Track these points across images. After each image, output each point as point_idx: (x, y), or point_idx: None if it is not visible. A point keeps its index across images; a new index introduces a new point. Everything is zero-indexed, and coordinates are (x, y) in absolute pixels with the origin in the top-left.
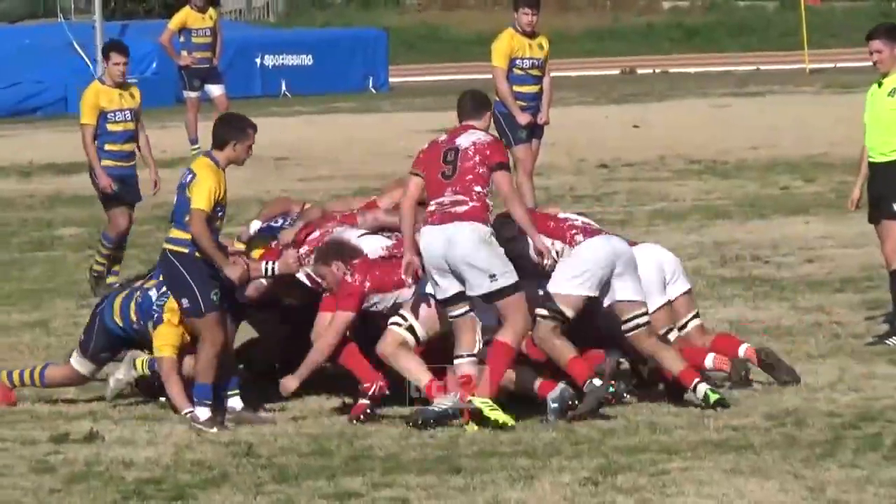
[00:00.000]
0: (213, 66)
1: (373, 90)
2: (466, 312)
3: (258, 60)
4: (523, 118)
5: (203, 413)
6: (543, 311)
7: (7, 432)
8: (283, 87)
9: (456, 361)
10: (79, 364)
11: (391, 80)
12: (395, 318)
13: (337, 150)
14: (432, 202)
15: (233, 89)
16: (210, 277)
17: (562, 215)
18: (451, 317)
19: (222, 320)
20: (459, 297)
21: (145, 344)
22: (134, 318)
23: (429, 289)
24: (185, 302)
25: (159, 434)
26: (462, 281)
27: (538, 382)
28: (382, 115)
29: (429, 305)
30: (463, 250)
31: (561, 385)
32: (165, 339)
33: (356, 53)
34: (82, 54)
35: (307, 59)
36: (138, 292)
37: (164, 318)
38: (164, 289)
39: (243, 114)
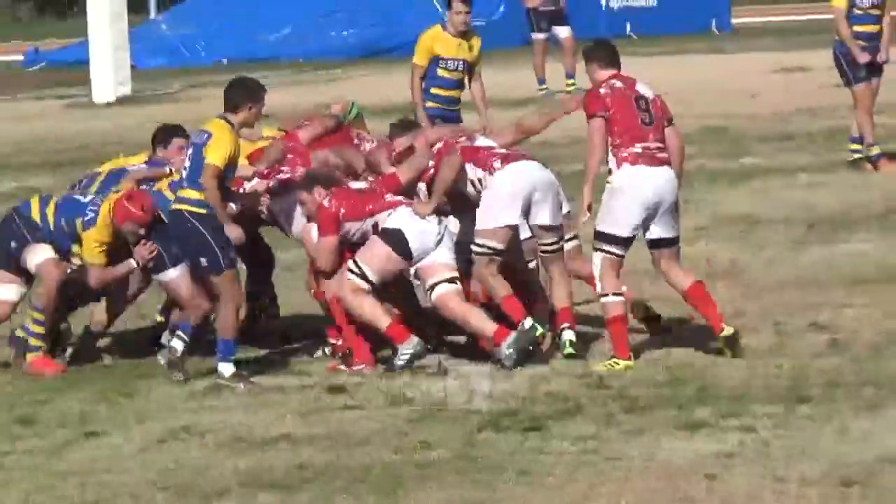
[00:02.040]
0: (560, 8)
1: (716, 31)
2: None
3: (603, 2)
4: (863, 57)
5: (228, 369)
6: (475, 248)
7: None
8: (628, 29)
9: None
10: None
11: (734, 20)
12: (351, 266)
13: (684, 90)
14: (636, 145)
15: (578, 31)
16: (225, 235)
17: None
18: (613, 255)
19: (238, 276)
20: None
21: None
22: (52, 219)
23: (614, 226)
24: (203, 261)
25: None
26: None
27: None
28: (726, 56)
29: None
30: (674, 196)
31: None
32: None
33: None
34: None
35: (651, 1)
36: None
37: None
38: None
39: (255, 77)
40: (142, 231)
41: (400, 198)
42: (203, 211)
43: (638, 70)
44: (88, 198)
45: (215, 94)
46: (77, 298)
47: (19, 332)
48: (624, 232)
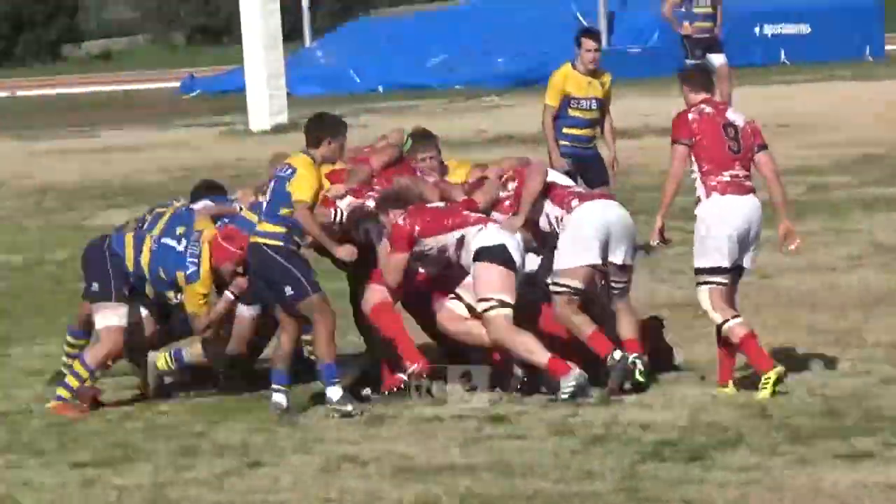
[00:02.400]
0: (714, 35)
1: (869, 58)
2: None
3: (757, 29)
4: None
5: (335, 392)
6: (554, 287)
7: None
8: (782, 56)
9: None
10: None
11: (888, 47)
12: (484, 302)
13: (838, 117)
14: (724, 173)
15: (733, 58)
16: (306, 261)
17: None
18: (718, 284)
19: (327, 299)
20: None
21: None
22: (147, 268)
23: (714, 258)
24: (288, 289)
25: (674, 397)
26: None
27: (547, 357)
28: (879, 83)
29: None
30: (760, 225)
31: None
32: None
33: (852, 22)
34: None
35: (805, 28)
36: (150, 239)
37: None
38: (187, 240)
39: (336, 114)
40: (239, 269)
41: (482, 215)
42: (280, 243)
43: (789, 96)
44: (183, 245)
45: (369, 121)
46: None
47: (161, 363)
48: (724, 262)
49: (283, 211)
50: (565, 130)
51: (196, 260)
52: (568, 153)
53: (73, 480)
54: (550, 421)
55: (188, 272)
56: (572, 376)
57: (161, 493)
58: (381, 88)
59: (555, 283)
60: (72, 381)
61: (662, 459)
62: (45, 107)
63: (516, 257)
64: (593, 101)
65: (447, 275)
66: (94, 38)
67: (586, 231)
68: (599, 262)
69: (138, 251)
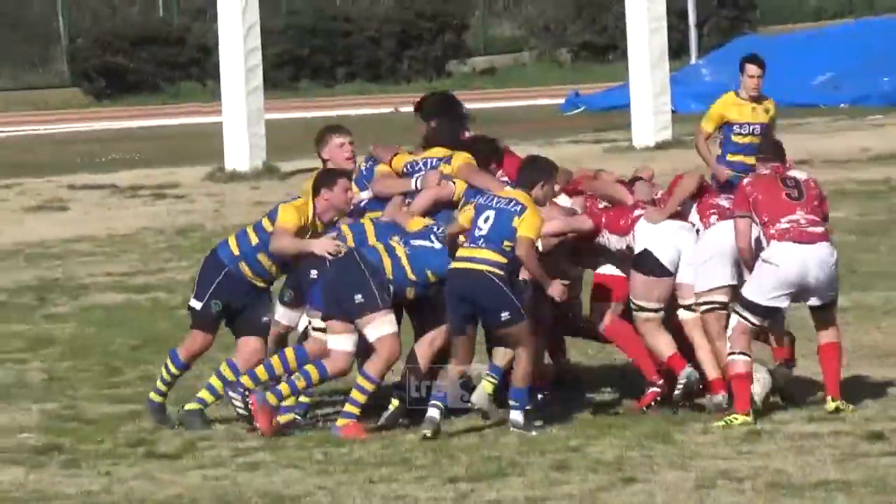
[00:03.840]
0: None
1: None
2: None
3: None
4: None
5: (518, 417)
6: (702, 303)
7: None
8: None
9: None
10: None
11: None
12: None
13: None
14: (782, 220)
15: None
16: (517, 289)
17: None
18: (747, 321)
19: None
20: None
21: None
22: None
23: (755, 295)
24: (505, 314)
25: None
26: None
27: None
28: None
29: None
30: (830, 272)
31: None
32: None
33: None
34: None
35: None
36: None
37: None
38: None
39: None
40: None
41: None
42: (502, 272)
43: None
44: (440, 245)
45: None
46: None
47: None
48: (761, 301)
49: (506, 244)
50: (729, 158)
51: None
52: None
53: (447, 495)
54: None
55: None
56: (684, 373)
57: None
58: None
59: (702, 301)
60: (359, 396)
61: None
62: None
63: (666, 259)
64: (757, 126)
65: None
66: (479, 54)
67: (716, 250)
68: (734, 282)
69: (395, 257)
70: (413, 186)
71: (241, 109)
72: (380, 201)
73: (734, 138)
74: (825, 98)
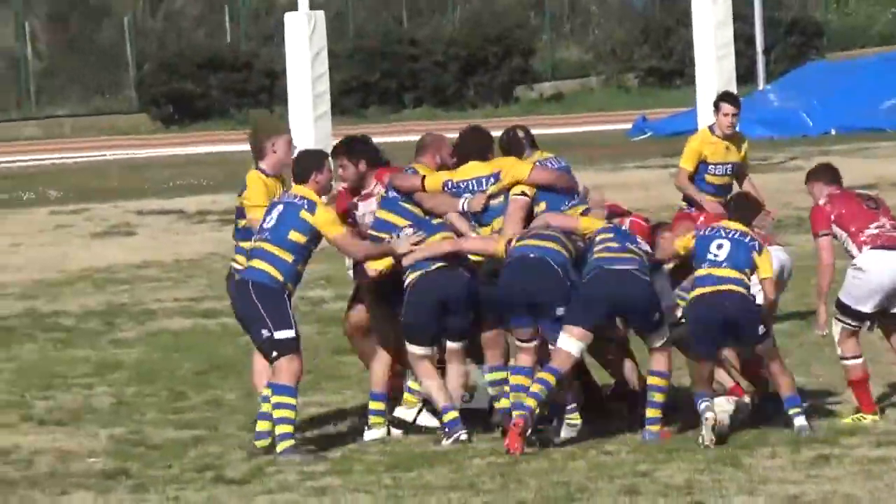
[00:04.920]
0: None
1: None
2: None
3: None
4: None
5: (801, 421)
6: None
7: None
8: None
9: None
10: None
11: None
12: None
13: None
14: (871, 226)
15: None
16: None
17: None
18: (850, 326)
19: None
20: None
21: None
22: None
23: (855, 301)
24: (762, 328)
25: None
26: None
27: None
28: None
29: None
30: None
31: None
32: None
33: None
34: None
35: None
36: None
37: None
38: None
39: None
40: None
41: None
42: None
43: None
44: None
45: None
46: None
47: None
48: (857, 306)
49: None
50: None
51: None
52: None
53: None
54: None
55: None
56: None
57: None
58: (833, 131)
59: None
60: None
61: None
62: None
63: None
64: (729, 166)
65: None
66: (546, 79)
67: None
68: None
69: None
70: (460, 208)
71: (308, 135)
72: (385, 222)
73: (708, 178)
74: (893, 122)
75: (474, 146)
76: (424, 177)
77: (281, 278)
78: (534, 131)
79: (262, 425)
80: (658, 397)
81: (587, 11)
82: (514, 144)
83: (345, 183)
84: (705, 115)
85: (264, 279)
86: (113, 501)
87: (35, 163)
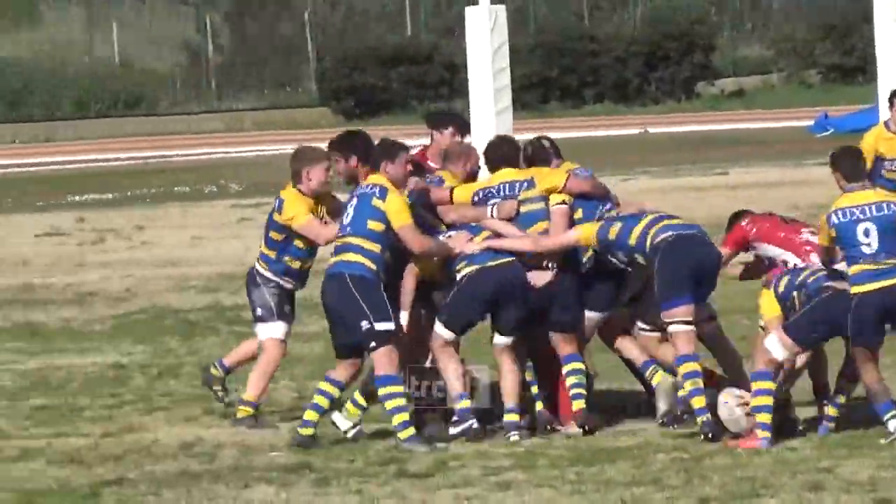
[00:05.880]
0: None
1: None
2: None
3: None
4: None
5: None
6: None
7: None
8: None
9: None
10: None
11: None
12: None
13: None
14: None
15: None
16: None
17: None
18: None
19: None
20: None
21: None
22: None
23: None
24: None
25: None
26: None
27: None
28: None
29: None
30: None
31: None
32: None
33: None
34: None
35: None
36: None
37: None
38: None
39: None
40: None
41: None
42: None
43: None
44: None
45: None
46: None
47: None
48: None
49: None
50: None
51: None
52: None
53: None
54: None
55: None
56: None
57: None
58: None
59: None
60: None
61: None
62: (675, 144)
63: None
64: None
65: None
66: (727, 75)
67: None
68: None
69: None
70: (488, 215)
71: (489, 130)
72: None
73: (885, 174)
74: None
75: (505, 153)
76: (453, 188)
77: (374, 268)
78: (716, 126)
79: (309, 415)
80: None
81: (768, 8)
82: (540, 154)
83: (339, 177)
84: (887, 111)
85: (361, 271)
86: (295, 495)
87: (217, 156)
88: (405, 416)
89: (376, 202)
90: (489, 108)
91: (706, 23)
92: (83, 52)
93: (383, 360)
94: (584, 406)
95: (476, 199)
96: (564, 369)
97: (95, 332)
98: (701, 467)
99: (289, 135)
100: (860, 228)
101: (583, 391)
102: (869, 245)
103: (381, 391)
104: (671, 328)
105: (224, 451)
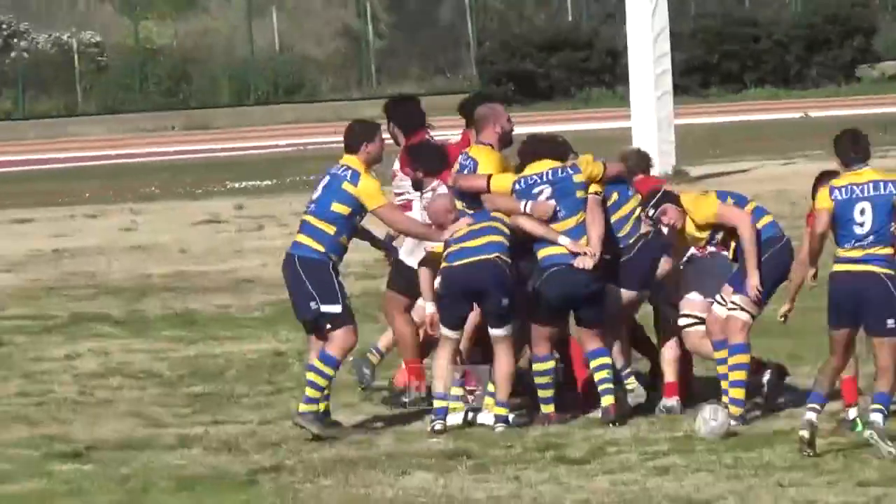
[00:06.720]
0: None
1: None
2: None
3: None
4: None
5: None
6: None
7: None
8: None
9: None
10: None
11: None
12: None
13: None
14: None
15: None
16: None
17: None
18: None
19: None
20: None
21: None
22: None
23: None
24: (891, 322)
25: None
26: None
27: None
28: None
29: None
30: None
31: None
32: None
33: None
34: None
35: None
36: None
37: None
38: None
39: None
40: None
41: None
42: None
43: None
44: None
45: None
46: None
47: None
48: None
49: None
50: None
51: None
52: None
53: (858, 500)
54: None
55: None
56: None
57: None
58: None
59: None
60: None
61: None
62: (836, 127)
63: None
64: None
65: None
66: (889, 59)
67: None
68: None
69: None
70: (521, 210)
71: (650, 115)
72: None
73: None
74: None
75: (547, 148)
76: (490, 176)
77: (323, 249)
78: (877, 110)
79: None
80: None
81: None
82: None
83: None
84: None
85: (309, 253)
86: (454, 481)
87: None
88: (317, 395)
89: (347, 186)
90: (650, 94)
91: (867, 6)
92: (243, 40)
93: (336, 341)
94: (614, 401)
95: (516, 189)
96: (592, 364)
97: (253, 319)
98: (860, 452)
99: (448, 120)
100: (857, 208)
101: (611, 385)
102: (861, 225)
103: (318, 365)
104: (737, 313)
105: (381, 437)
